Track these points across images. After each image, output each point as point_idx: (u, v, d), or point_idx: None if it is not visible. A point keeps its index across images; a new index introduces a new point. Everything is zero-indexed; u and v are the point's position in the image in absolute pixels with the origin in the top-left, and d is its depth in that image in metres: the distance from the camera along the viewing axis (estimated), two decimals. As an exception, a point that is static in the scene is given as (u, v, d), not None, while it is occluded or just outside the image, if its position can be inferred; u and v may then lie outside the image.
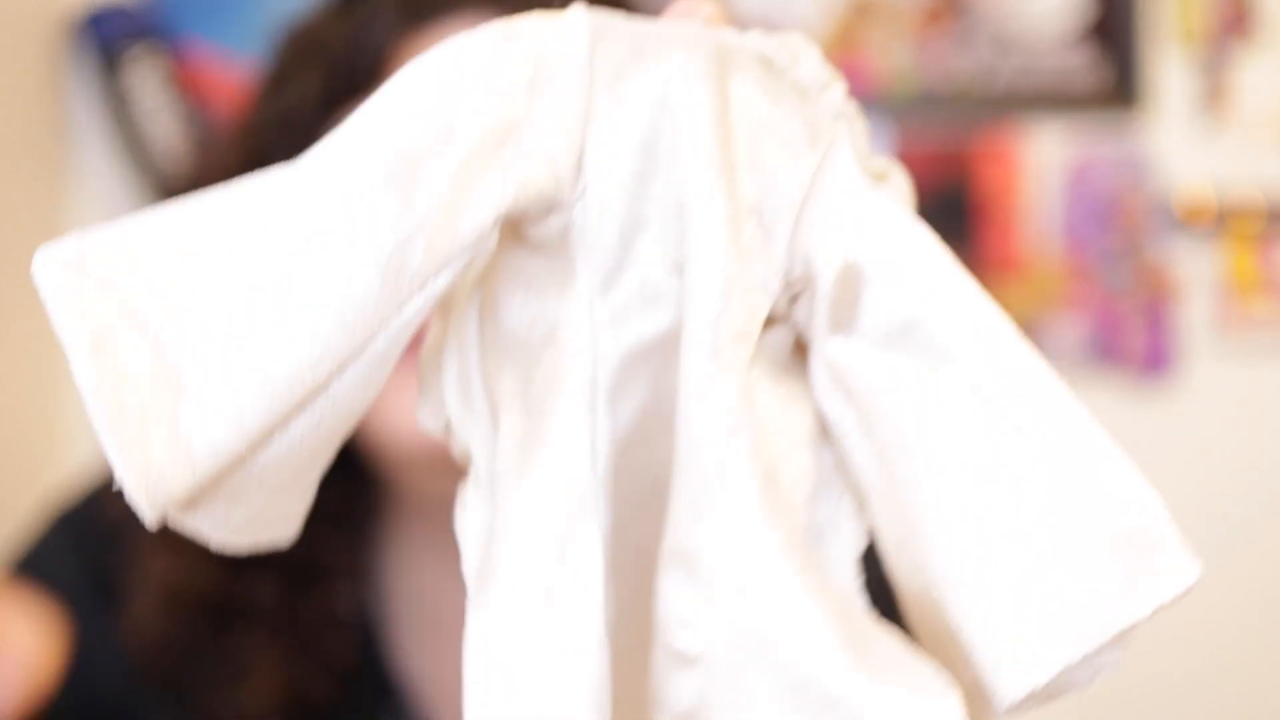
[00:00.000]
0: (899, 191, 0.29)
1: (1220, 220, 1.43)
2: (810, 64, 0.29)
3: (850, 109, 0.29)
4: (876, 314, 0.26)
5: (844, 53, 1.39)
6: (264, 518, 0.27)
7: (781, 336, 0.27)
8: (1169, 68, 1.43)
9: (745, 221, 0.26)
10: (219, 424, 0.23)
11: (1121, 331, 1.43)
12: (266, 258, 0.24)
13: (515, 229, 0.27)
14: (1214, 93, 1.43)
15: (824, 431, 0.27)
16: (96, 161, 1.23)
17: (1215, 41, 1.44)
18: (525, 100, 0.26)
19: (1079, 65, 1.41)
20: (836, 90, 0.29)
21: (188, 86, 1.22)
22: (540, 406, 0.26)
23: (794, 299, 0.27)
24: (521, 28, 0.27)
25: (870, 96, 1.39)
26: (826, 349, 0.26)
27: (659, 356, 0.26)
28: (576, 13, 0.27)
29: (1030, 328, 1.40)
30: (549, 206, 0.26)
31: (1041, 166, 1.41)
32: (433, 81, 0.26)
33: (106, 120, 1.22)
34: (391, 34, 0.60)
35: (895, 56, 1.40)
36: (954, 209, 1.40)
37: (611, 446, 0.26)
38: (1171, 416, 1.45)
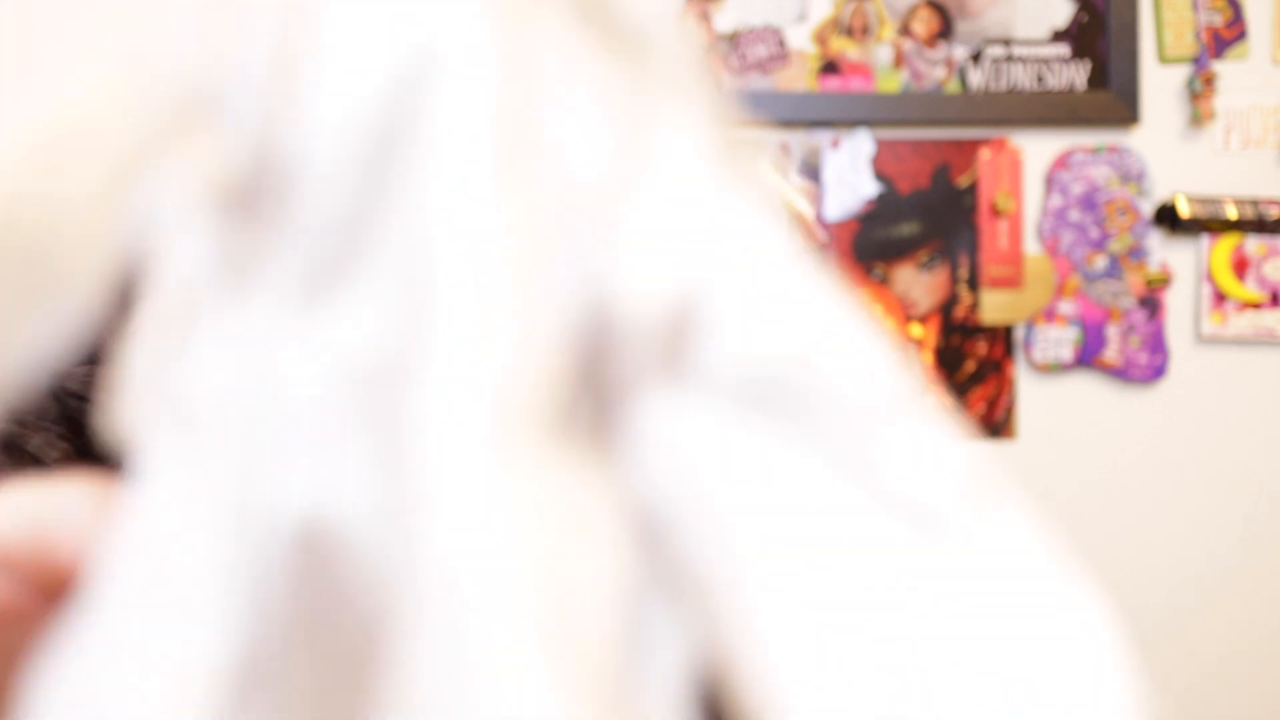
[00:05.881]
0: (768, 190, 0.20)
1: (1205, 225, 1.45)
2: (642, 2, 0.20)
3: (701, 67, 0.20)
4: (723, 363, 0.18)
5: (835, 57, 1.41)
6: None
7: (572, 400, 0.19)
8: (1157, 76, 1.45)
9: (521, 240, 0.18)
10: None
11: (1109, 334, 1.45)
12: None
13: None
14: (1200, 101, 1.45)
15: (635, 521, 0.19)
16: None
17: (1201, 51, 1.46)
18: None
19: (1068, 72, 1.43)
20: (681, 41, 0.20)
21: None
22: None
23: (595, 347, 0.19)
24: None
25: (862, 100, 1.40)
26: (651, 411, 0.19)
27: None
28: None
29: (1020, 330, 1.42)
30: (254, 179, 0.17)
31: (1030, 172, 1.43)
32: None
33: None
34: None
35: (886, 61, 1.41)
36: (944, 214, 1.42)
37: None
38: (1159, 417, 1.46)
